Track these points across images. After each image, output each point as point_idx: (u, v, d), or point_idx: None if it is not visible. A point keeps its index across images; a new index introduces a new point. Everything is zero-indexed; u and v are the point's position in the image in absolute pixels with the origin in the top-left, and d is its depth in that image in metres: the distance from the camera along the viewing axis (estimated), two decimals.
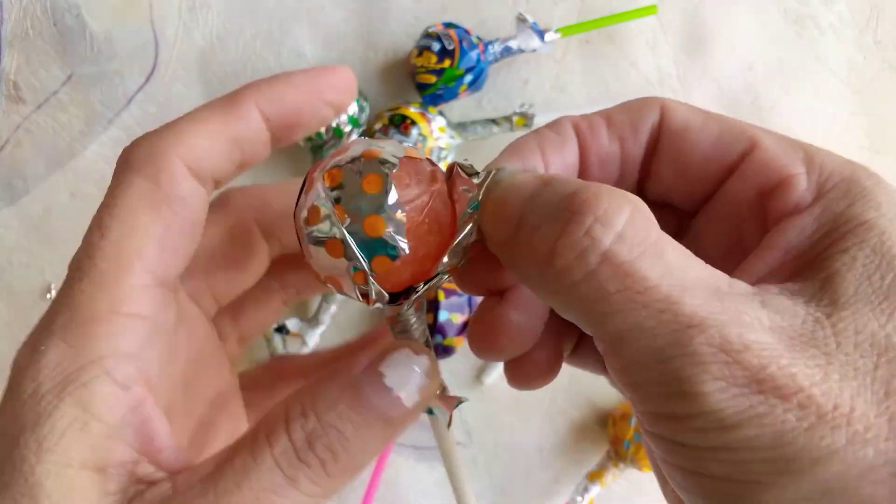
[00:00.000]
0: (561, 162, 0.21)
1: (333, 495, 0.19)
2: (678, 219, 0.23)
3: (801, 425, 0.15)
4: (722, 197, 0.21)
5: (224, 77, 0.48)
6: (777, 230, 0.19)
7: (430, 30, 0.45)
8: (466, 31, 0.45)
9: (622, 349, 0.17)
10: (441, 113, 0.46)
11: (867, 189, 0.18)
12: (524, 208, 0.18)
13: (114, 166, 0.21)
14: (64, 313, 0.18)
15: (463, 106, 0.48)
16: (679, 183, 0.21)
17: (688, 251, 0.18)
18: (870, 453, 0.15)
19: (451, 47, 0.44)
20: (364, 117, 0.46)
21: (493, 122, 0.46)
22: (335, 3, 0.48)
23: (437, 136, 0.44)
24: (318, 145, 0.45)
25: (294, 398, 0.19)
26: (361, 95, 0.45)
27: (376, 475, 0.46)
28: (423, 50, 0.44)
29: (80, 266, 0.19)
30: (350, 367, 0.19)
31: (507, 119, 0.46)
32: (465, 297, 0.46)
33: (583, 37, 0.48)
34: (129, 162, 0.20)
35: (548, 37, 0.46)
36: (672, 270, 0.17)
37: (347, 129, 0.44)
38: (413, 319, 0.21)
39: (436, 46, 0.44)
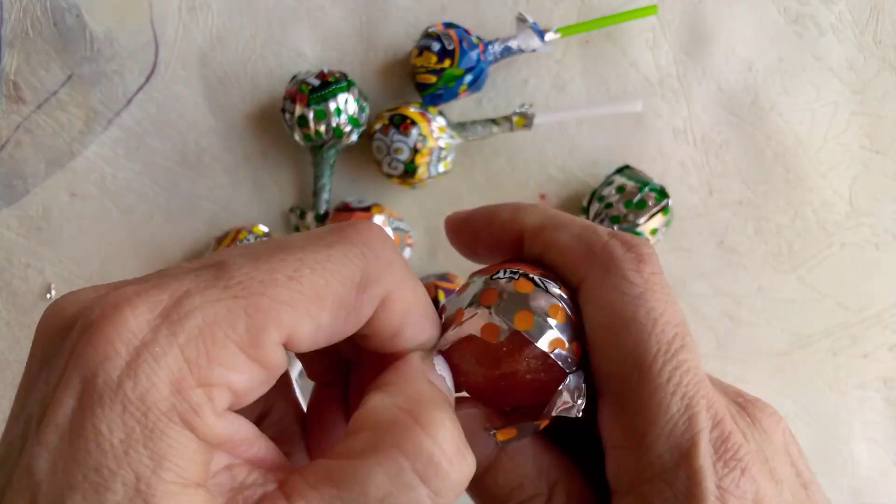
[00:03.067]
0: None
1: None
2: None
3: None
4: None
5: (224, 77, 0.48)
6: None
7: (430, 30, 0.45)
8: (466, 31, 0.45)
9: None
10: (441, 113, 0.46)
11: (682, 493, 0.18)
12: None
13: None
14: (197, 318, 0.16)
15: (463, 106, 0.48)
16: None
17: None
18: None
19: (451, 47, 0.44)
20: (364, 117, 0.46)
21: (493, 122, 0.46)
22: (335, 2, 0.48)
23: (437, 135, 0.44)
24: (318, 145, 0.45)
25: None
26: (361, 95, 0.45)
27: None
28: (423, 50, 0.44)
29: (247, 284, 0.17)
30: None
31: (507, 119, 0.46)
32: None
33: (583, 37, 0.48)
34: (369, 246, 0.20)
35: (548, 37, 0.46)
36: None
37: (348, 129, 0.44)
38: None
39: (436, 46, 0.44)
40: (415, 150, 0.44)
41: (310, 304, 0.18)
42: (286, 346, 0.18)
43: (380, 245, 0.19)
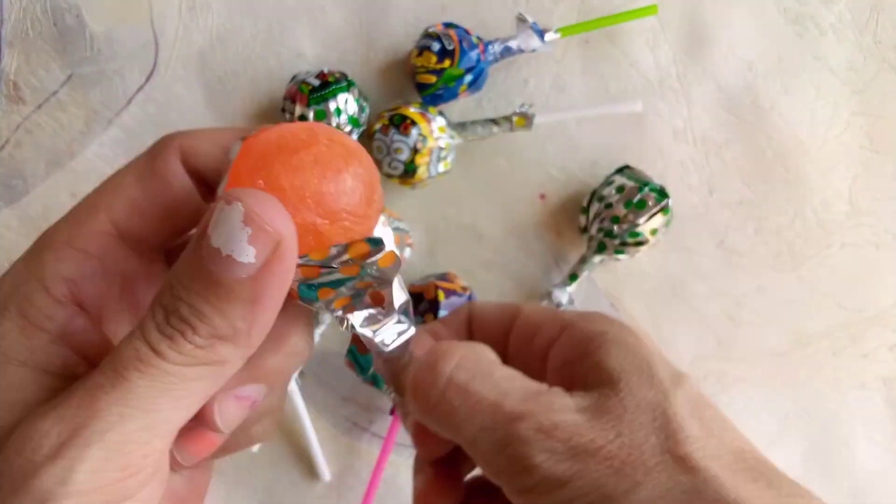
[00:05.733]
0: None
1: (227, 361, 0.19)
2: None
3: (609, 472, 0.21)
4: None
5: (224, 77, 0.48)
6: (549, 356, 0.27)
7: (429, 30, 0.45)
8: (466, 31, 0.45)
9: (477, 447, 0.23)
10: (441, 113, 0.46)
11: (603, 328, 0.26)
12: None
13: (121, 165, 0.23)
14: (39, 241, 0.22)
15: (463, 106, 0.48)
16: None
17: (515, 372, 0.25)
18: (663, 480, 0.21)
19: (451, 47, 0.44)
20: (364, 117, 0.46)
21: (494, 122, 0.46)
22: (335, 2, 0.48)
23: (437, 136, 0.44)
24: None
25: (166, 275, 0.20)
26: (361, 95, 0.45)
27: (376, 475, 0.45)
28: (422, 50, 0.44)
29: (71, 209, 0.23)
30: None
31: (507, 119, 0.46)
32: (464, 297, 0.46)
33: (583, 37, 0.48)
34: (149, 148, 0.24)
35: (548, 37, 0.46)
36: (498, 384, 0.24)
37: (348, 129, 0.44)
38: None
39: (436, 46, 0.44)
40: (415, 151, 0.44)
41: (112, 192, 0.22)
42: (122, 233, 0.22)
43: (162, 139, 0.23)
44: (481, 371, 0.24)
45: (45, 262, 0.21)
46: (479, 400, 0.23)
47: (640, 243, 0.44)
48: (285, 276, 0.19)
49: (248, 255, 0.18)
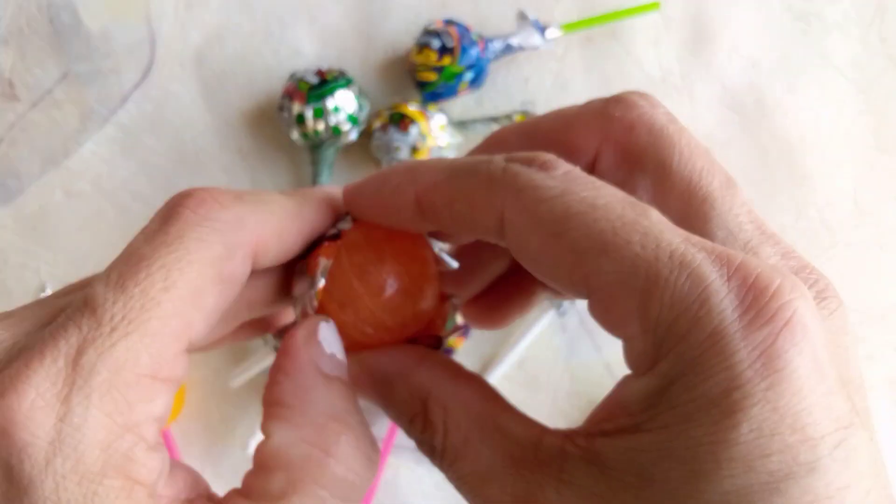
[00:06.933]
0: None
1: None
2: None
3: None
4: None
5: (221, 75, 0.47)
6: (617, 387, 0.19)
7: (430, 27, 0.44)
8: (467, 28, 0.44)
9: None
10: (441, 111, 0.45)
11: (695, 360, 0.15)
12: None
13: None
14: (102, 373, 0.17)
15: (463, 104, 0.48)
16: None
17: (507, 416, 0.19)
18: None
19: (451, 44, 0.43)
20: (363, 116, 0.45)
21: (494, 119, 0.45)
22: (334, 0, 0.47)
23: (436, 134, 0.44)
24: (317, 143, 0.45)
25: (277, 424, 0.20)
26: (361, 93, 0.45)
27: (376, 476, 0.45)
28: (423, 47, 0.44)
29: (129, 315, 0.17)
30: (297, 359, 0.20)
31: (508, 117, 0.45)
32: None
33: (584, 34, 0.47)
34: (212, 217, 0.19)
35: (549, 34, 0.45)
36: (483, 450, 0.19)
37: (346, 127, 0.44)
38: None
39: (436, 44, 0.43)
40: (414, 149, 0.43)
41: (192, 302, 0.18)
42: (191, 346, 0.19)
43: (217, 207, 0.19)
44: (466, 438, 0.19)
45: (134, 407, 0.17)
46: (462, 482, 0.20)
47: None
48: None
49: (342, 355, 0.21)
